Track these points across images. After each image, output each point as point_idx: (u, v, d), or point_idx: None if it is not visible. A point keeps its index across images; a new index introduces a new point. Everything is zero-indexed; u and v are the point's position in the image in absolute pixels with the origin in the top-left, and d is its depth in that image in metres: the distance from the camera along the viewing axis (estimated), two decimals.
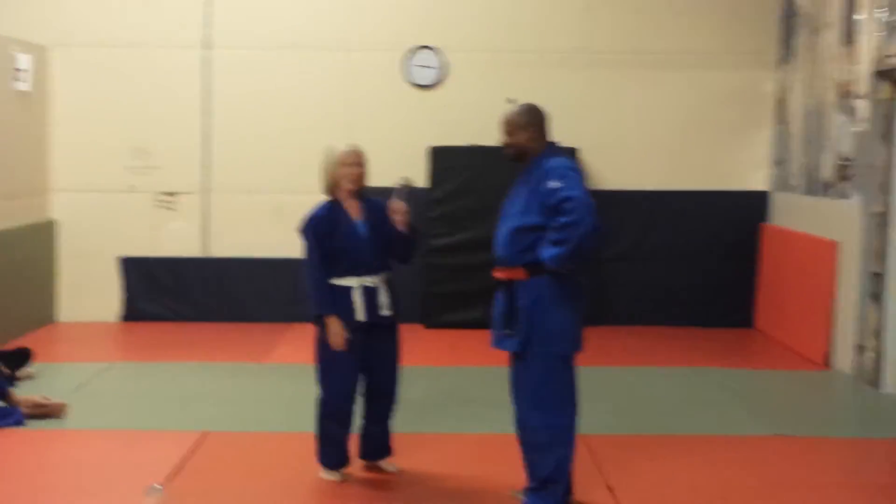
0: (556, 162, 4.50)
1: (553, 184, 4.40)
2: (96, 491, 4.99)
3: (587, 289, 4.76)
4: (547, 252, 4.39)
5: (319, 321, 5.02)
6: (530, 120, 4.63)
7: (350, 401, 5.11)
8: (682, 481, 5.19)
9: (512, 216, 4.59)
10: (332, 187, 5.11)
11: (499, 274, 4.63)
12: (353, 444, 5.25)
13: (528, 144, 4.62)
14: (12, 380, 6.75)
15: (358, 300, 5.01)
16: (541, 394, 4.55)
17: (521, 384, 4.64)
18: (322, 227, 5.04)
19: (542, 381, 4.55)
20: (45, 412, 6.12)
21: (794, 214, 8.78)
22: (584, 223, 4.31)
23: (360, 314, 5.00)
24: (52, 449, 5.65)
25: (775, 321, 8.91)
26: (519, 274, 4.52)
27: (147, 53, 9.32)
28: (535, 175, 4.52)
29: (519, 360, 4.61)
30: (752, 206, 9.44)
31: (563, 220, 4.33)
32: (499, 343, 4.65)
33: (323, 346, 5.04)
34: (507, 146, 4.68)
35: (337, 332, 4.95)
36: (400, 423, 5.96)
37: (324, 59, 9.38)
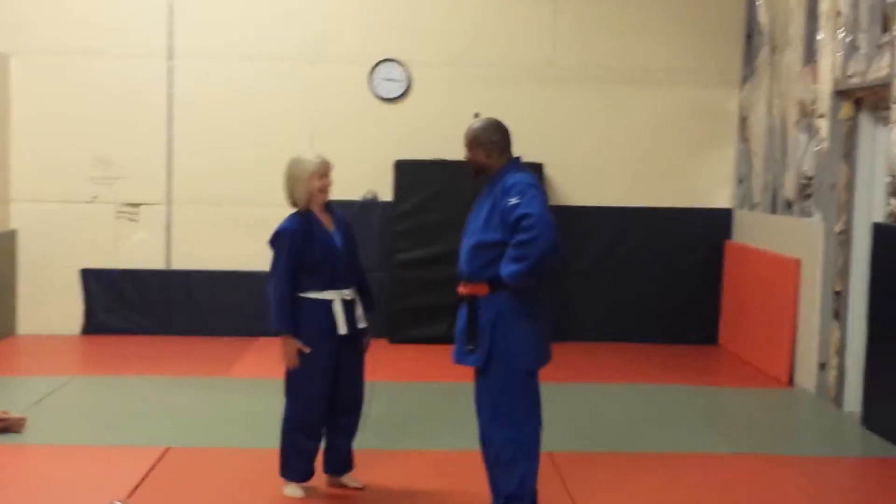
0: (516, 178, 4.50)
1: (513, 200, 4.41)
2: None
3: (550, 304, 4.78)
4: (506, 269, 4.40)
5: (281, 335, 4.99)
6: (489, 136, 4.64)
7: (320, 414, 5.09)
8: (647, 499, 5.20)
9: (474, 232, 4.60)
10: (305, 199, 5.06)
11: (461, 289, 4.63)
12: (318, 459, 5.22)
13: (484, 162, 4.64)
14: None
15: (339, 313, 4.99)
16: (503, 409, 4.55)
17: (483, 399, 4.63)
18: (298, 240, 4.98)
19: (503, 396, 4.54)
20: (4, 427, 6.04)
21: (756, 232, 8.85)
22: (542, 240, 4.32)
23: (343, 327, 4.99)
24: (11, 464, 5.57)
25: (739, 338, 8.96)
26: (481, 289, 4.53)
27: (109, 62, 9.23)
28: (497, 191, 4.52)
29: (481, 376, 4.61)
30: (715, 224, 9.50)
31: (521, 237, 4.34)
32: (461, 359, 4.64)
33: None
34: (467, 162, 4.71)
35: (291, 353, 4.95)
36: (364, 439, 5.95)
37: (288, 70, 9.34)
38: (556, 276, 8.83)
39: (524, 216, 4.34)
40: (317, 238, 5.01)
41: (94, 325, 9.28)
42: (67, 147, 9.24)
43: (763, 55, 8.93)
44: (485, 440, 4.66)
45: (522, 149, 4.79)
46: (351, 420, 5.22)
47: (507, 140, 4.68)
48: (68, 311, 9.26)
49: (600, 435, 6.40)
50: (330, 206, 5.17)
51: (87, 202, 9.28)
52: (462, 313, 4.62)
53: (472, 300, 4.55)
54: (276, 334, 5.02)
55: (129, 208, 9.33)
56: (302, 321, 4.98)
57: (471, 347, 4.54)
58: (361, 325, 5.10)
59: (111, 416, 6.61)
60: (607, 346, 9.24)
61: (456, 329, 4.67)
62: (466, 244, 4.61)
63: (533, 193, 4.43)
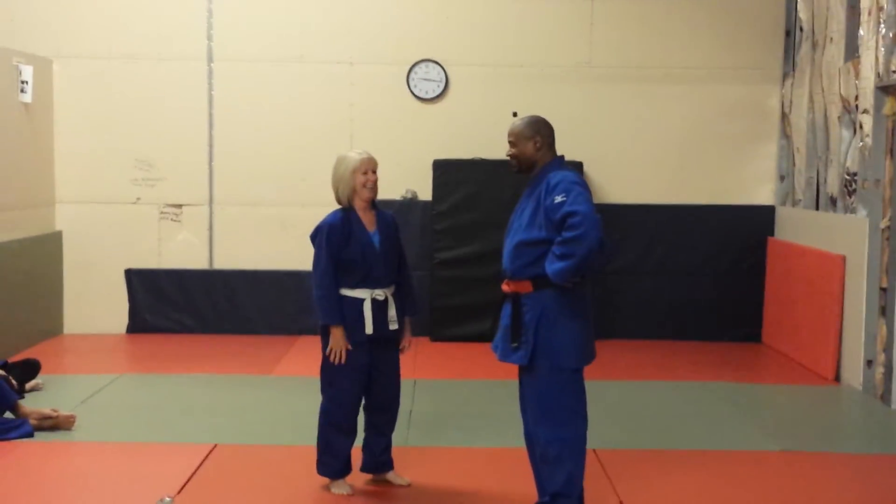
0: (561, 176, 4.48)
1: (558, 198, 4.39)
2: None
3: (594, 301, 4.76)
4: (552, 266, 4.38)
5: (325, 330, 5.02)
6: (537, 130, 4.62)
7: (355, 410, 5.11)
8: (694, 497, 5.18)
9: (517, 230, 4.59)
10: (348, 195, 5.09)
11: (505, 287, 4.63)
12: (356, 457, 5.24)
13: (533, 155, 4.61)
14: (21, 392, 6.74)
15: (368, 313, 5.01)
16: (548, 407, 4.53)
17: (528, 397, 4.63)
18: (336, 236, 5.00)
19: (549, 394, 4.53)
20: (54, 424, 6.11)
21: (800, 229, 8.79)
22: (588, 238, 4.29)
23: (369, 327, 5.00)
24: (61, 461, 5.64)
25: (783, 336, 8.89)
26: (525, 287, 4.52)
27: (150, 66, 9.34)
28: (541, 189, 4.51)
29: (526, 374, 4.61)
30: (758, 221, 9.44)
31: (567, 234, 4.32)
32: (505, 356, 4.63)
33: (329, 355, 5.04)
34: (512, 157, 4.69)
35: (339, 344, 4.96)
36: (408, 437, 5.99)
37: (326, 71, 9.40)
38: (599, 274, 8.81)
39: (570, 213, 4.32)
40: (354, 236, 5.02)
41: (139, 324, 9.38)
42: (110, 149, 9.35)
43: (804, 51, 8.87)
44: (530, 438, 4.66)
45: (561, 148, 4.77)
46: (384, 419, 5.21)
47: (553, 136, 4.68)
48: (113, 311, 9.37)
49: (645, 432, 6.37)
50: (376, 206, 5.19)
51: (131, 203, 9.39)
52: (506, 311, 4.62)
53: (516, 297, 4.55)
54: (323, 328, 5.03)
55: (171, 209, 9.43)
56: None
57: (515, 345, 4.54)
58: (393, 326, 5.09)
59: (159, 413, 6.68)
60: (649, 344, 9.20)
61: (500, 326, 4.67)
62: (510, 243, 4.60)
63: (578, 191, 4.40)
